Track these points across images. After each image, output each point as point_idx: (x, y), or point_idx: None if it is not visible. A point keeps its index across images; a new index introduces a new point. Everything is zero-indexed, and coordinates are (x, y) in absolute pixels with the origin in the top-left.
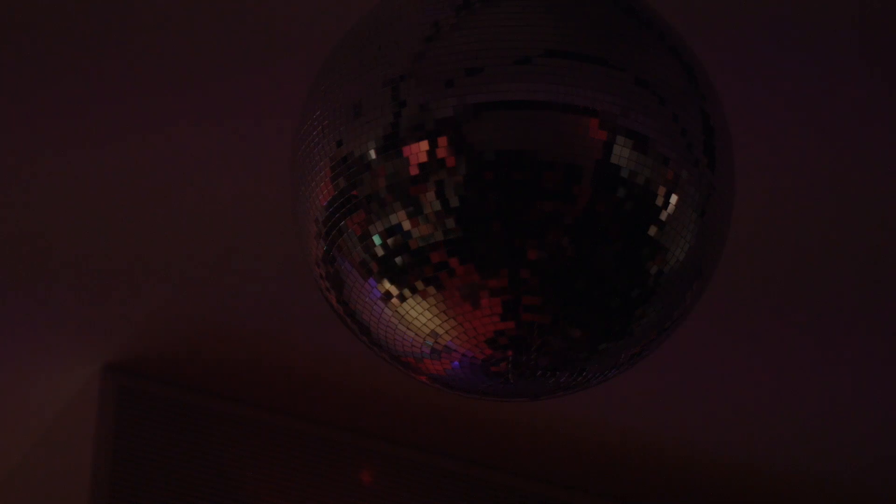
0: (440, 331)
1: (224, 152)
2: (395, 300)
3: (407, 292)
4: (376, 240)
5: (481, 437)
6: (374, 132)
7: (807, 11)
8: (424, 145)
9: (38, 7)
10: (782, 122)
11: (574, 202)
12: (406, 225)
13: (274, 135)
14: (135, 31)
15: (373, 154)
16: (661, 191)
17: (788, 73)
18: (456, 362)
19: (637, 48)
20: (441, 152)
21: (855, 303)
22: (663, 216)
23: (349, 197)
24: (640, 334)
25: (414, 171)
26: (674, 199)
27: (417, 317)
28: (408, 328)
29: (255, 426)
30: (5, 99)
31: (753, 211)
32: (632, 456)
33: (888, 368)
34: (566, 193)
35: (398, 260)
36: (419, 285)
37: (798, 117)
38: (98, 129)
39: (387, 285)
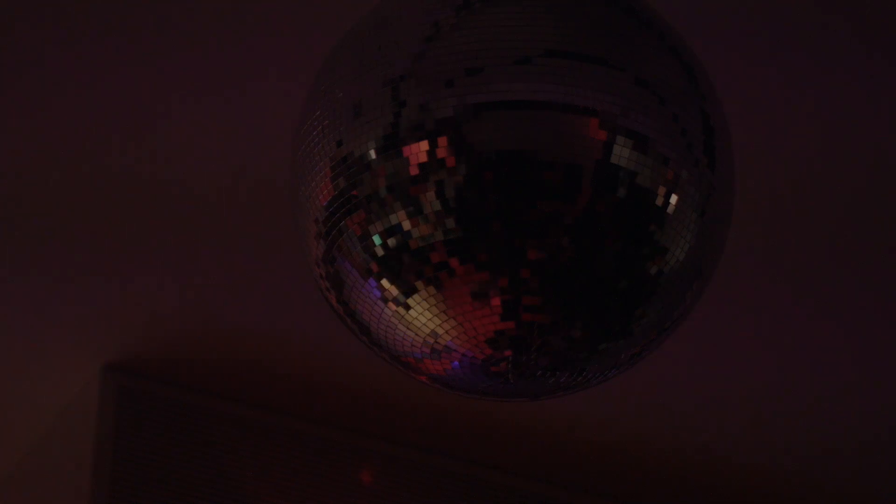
0: (440, 331)
1: (223, 151)
2: (394, 300)
3: (407, 292)
4: (376, 240)
5: (481, 437)
6: (374, 132)
7: (807, 11)
8: (424, 145)
9: None
10: (782, 121)
11: (574, 202)
12: (406, 225)
13: (273, 135)
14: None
15: (373, 154)
16: (661, 191)
17: (788, 72)
18: (456, 362)
19: (637, 48)
20: (441, 152)
21: (858, 304)
22: (663, 216)
23: (349, 197)
24: (640, 334)
25: (414, 171)
26: (674, 199)
27: (417, 317)
28: (408, 328)
29: (255, 426)
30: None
31: (753, 211)
32: (632, 456)
33: (891, 371)
34: (566, 193)
35: (398, 260)
36: (419, 285)
37: (798, 117)
38: (94, 133)
39: (387, 285)
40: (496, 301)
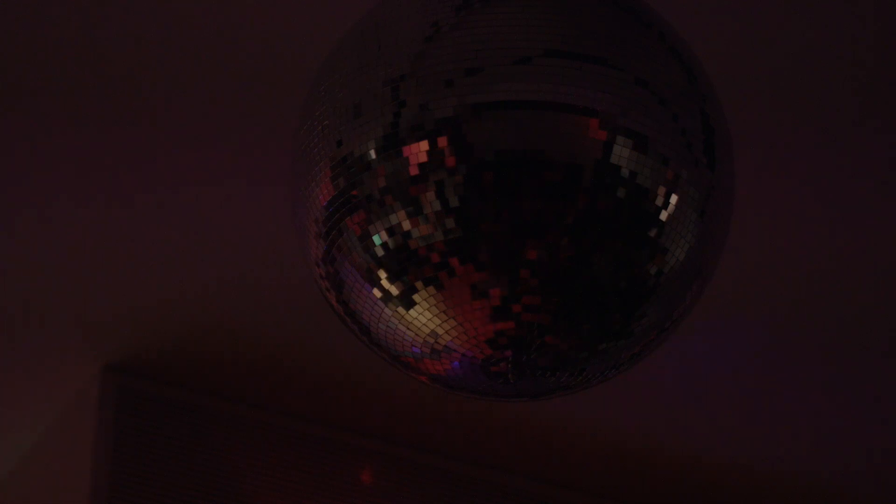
0: (440, 331)
1: (224, 150)
2: (394, 300)
3: (407, 292)
4: (376, 240)
5: (482, 437)
6: (374, 132)
7: (806, 11)
8: (424, 145)
9: None
10: (782, 121)
11: (574, 202)
12: (406, 225)
13: (273, 138)
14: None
15: (373, 154)
16: (661, 191)
17: (788, 71)
18: (456, 362)
19: (637, 48)
20: (441, 152)
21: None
22: (663, 216)
23: (349, 197)
24: (640, 334)
25: (414, 171)
26: (674, 199)
27: (417, 317)
28: (408, 328)
29: (255, 426)
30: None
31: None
32: (632, 456)
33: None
34: (566, 193)
35: (398, 260)
36: (419, 285)
37: (798, 117)
38: (93, 135)
39: (387, 285)
40: (496, 301)
